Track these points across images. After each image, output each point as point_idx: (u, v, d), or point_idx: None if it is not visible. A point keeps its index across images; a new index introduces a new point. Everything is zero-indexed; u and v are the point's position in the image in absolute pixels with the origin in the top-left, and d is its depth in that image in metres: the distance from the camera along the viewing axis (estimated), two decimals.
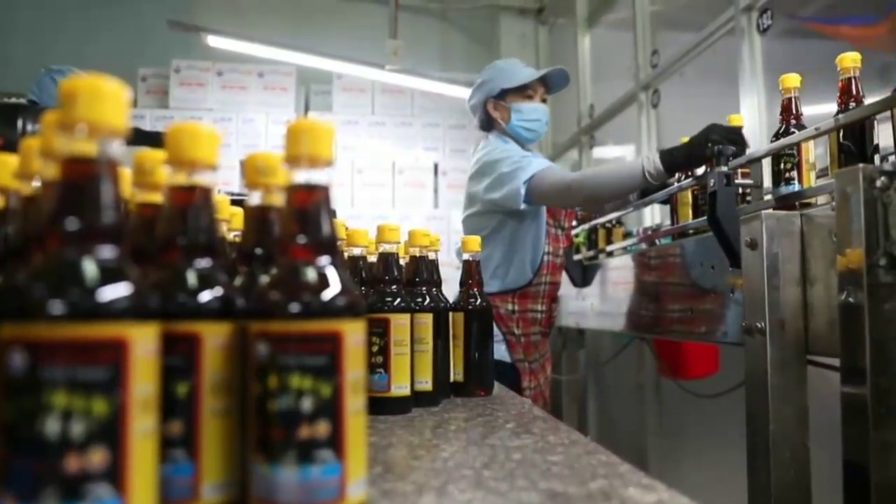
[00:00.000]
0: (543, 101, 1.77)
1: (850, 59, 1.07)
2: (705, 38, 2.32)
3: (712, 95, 2.46)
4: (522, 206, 1.61)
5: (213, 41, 2.99)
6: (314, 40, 3.39)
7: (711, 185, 1.17)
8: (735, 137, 1.28)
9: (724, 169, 1.18)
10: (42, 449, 0.30)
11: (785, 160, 1.13)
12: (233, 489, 0.40)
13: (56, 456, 0.30)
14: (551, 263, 1.76)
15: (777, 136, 1.18)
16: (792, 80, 1.18)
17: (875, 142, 1.02)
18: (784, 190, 1.12)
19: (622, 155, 3.26)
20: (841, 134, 1.04)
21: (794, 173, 1.12)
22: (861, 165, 0.79)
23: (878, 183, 0.78)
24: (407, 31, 3.30)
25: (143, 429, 0.33)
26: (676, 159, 1.37)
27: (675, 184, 1.47)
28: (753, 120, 2.03)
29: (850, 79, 1.08)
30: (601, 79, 3.39)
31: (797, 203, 1.10)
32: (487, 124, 1.77)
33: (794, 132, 1.14)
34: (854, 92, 1.07)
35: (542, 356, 1.83)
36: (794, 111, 1.18)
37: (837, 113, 1.05)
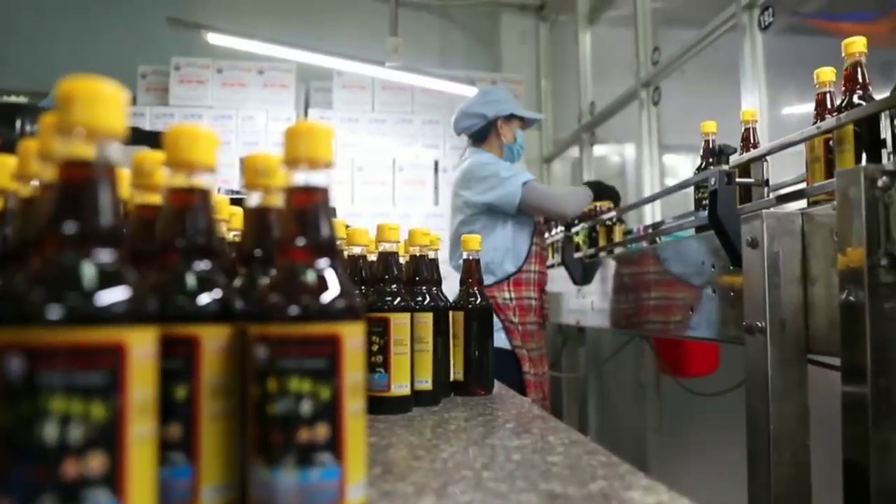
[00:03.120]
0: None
1: (855, 45, 1.03)
2: (707, 35, 2.31)
3: (713, 93, 2.46)
4: (515, 207, 1.86)
5: (213, 38, 2.98)
6: (314, 37, 3.38)
7: (712, 183, 1.17)
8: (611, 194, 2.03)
9: (725, 167, 1.18)
10: (40, 454, 0.30)
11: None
12: (232, 492, 0.40)
13: (54, 461, 0.30)
14: (538, 254, 1.95)
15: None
16: (826, 74, 1.13)
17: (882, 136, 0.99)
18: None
19: (623, 152, 3.25)
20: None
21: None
22: (863, 165, 0.79)
23: (880, 183, 0.78)
24: (407, 28, 3.29)
25: (141, 433, 0.33)
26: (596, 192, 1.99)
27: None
28: (755, 117, 2.02)
29: (855, 63, 1.03)
30: (602, 76, 3.38)
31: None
32: (483, 135, 2.00)
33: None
34: (860, 79, 1.03)
35: (540, 348, 1.89)
36: (828, 105, 1.12)
37: (841, 102, 1.02)
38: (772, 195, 1.17)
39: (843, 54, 1.06)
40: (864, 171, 0.78)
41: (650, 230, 1.86)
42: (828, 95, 1.15)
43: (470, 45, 4.04)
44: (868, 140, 0.97)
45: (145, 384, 0.34)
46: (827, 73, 1.14)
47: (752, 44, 2.04)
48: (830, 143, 1.05)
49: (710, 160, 1.53)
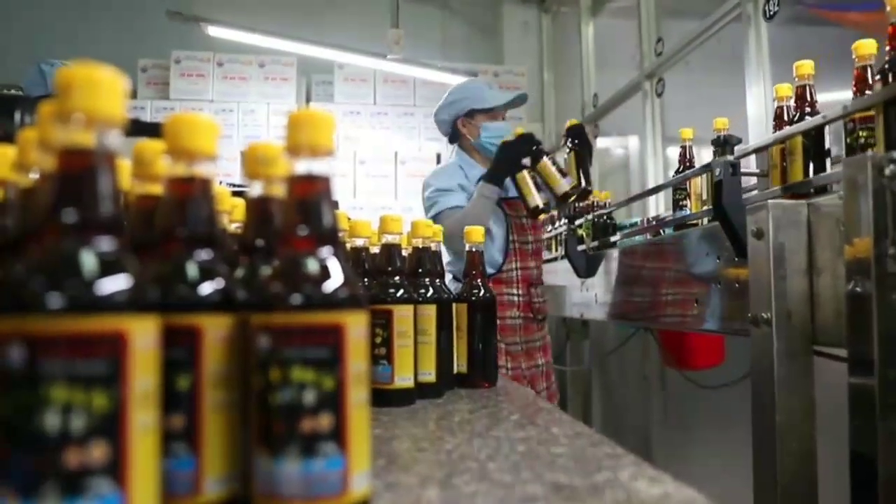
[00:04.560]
0: (503, 118, 1.97)
1: (866, 47, 1.04)
2: (711, 26, 2.30)
3: (718, 84, 2.44)
4: None
5: (214, 31, 2.97)
6: (315, 30, 3.37)
7: (717, 174, 1.16)
8: (527, 139, 1.74)
9: (730, 158, 1.17)
10: (42, 444, 0.30)
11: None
12: (235, 483, 0.40)
13: (56, 451, 0.30)
14: (520, 251, 1.90)
15: (883, 73, 1.06)
16: (806, 67, 1.15)
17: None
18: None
19: (627, 144, 3.24)
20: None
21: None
22: (870, 153, 0.78)
23: (887, 171, 0.77)
24: (408, 20, 3.27)
25: (143, 423, 0.33)
26: (495, 171, 1.76)
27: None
28: (760, 108, 2.01)
29: (865, 67, 1.04)
30: (605, 68, 3.36)
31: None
32: (453, 137, 1.98)
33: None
34: (870, 81, 1.03)
35: (526, 341, 1.87)
36: (808, 98, 1.14)
37: (885, 63, 0.98)
38: (777, 187, 1.16)
39: (854, 56, 1.04)
40: (872, 159, 0.77)
41: (654, 222, 1.85)
42: (807, 88, 1.15)
43: (471, 37, 4.02)
44: (815, 151, 1.08)
45: (147, 373, 0.33)
46: (805, 67, 1.13)
47: (756, 34, 2.02)
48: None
49: (688, 164, 1.59)
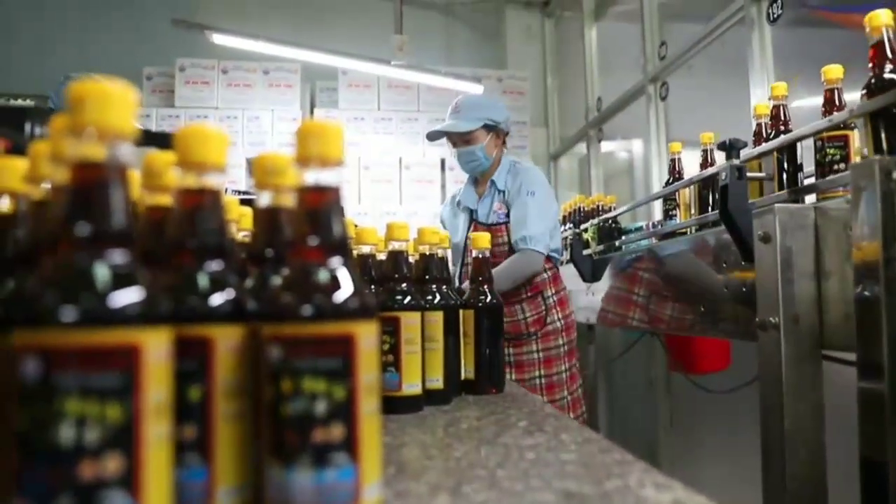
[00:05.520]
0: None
1: (834, 72, 1.09)
2: (714, 29, 2.30)
3: (721, 87, 2.44)
4: None
5: (218, 39, 2.98)
6: (319, 37, 3.38)
7: (723, 178, 1.16)
8: None
9: (736, 162, 1.17)
10: (56, 456, 0.30)
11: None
12: (247, 493, 0.40)
13: (70, 463, 0.30)
14: (560, 300, 1.91)
15: (869, 88, 1.06)
16: (834, 71, 1.15)
17: None
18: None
19: (631, 148, 3.23)
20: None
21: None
22: (877, 158, 0.78)
23: (895, 175, 0.77)
24: (412, 25, 3.28)
25: (157, 434, 0.33)
26: None
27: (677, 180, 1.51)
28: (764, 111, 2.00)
29: (880, 41, 1.00)
30: (609, 72, 3.37)
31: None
32: (472, 140, 1.90)
33: (892, 79, 1.04)
34: (890, 54, 0.99)
35: (522, 353, 1.85)
36: (890, 54, 1.07)
37: (870, 79, 0.99)
38: (784, 191, 1.16)
39: (868, 29, 1.00)
40: (879, 163, 0.77)
41: (659, 226, 1.85)
42: (835, 92, 1.15)
43: (475, 43, 4.03)
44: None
45: (160, 385, 0.34)
46: (834, 71, 1.15)
47: (760, 37, 2.02)
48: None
49: (677, 175, 1.62)
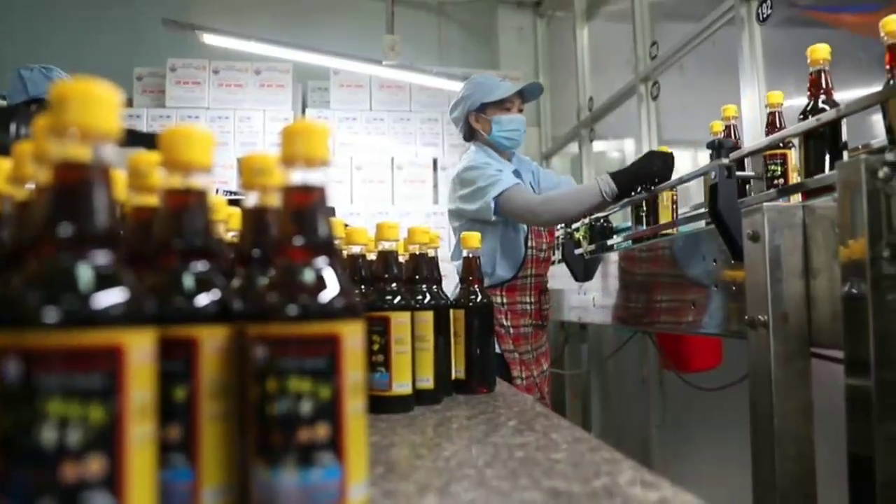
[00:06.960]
0: (520, 110, 1.90)
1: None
2: (705, 29, 2.31)
3: (712, 86, 2.45)
4: (493, 218, 1.77)
5: (209, 39, 2.98)
6: (310, 37, 3.37)
7: (713, 177, 1.16)
8: (671, 163, 1.57)
9: (725, 161, 1.18)
10: (39, 458, 0.30)
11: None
12: (233, 494, 0.40)
13: (53, 465, 0.30)
14: (535, 258, 1.89)
15: (805, 113, 1.12)
16: (820, 51, 1.11)
17: None
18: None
19: (623, 147, 3.25)
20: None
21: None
22: (863, 156, 0.78)
23: (881, 174, 0.77)
24: (404, 25, 3.28)
25: (141, 435, 0.33)
26: (626, 179, 1.61)
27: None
28: (754, 111, 2.02)
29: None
30: (600, 71, 3.38)
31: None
32: (469, 135, 1.93)
33: (824, 108, 1.09)
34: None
35: (536, 349, 1.87)
36: (823, 85, 1.11)
37: (888, 80, 0.97)
38: (771, 189, 1.17)
39: (883, 33, 0.98)
40: (865, 162, 0.78)
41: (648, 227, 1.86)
42: (822, 74, 1.14)
43: (467, 42, 4.04)
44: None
45: (144, 386, 0.34)
46: (820, 51, 1.14)
47: (750, 37, 2.03)
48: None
49: (648, 189, 1.62)
